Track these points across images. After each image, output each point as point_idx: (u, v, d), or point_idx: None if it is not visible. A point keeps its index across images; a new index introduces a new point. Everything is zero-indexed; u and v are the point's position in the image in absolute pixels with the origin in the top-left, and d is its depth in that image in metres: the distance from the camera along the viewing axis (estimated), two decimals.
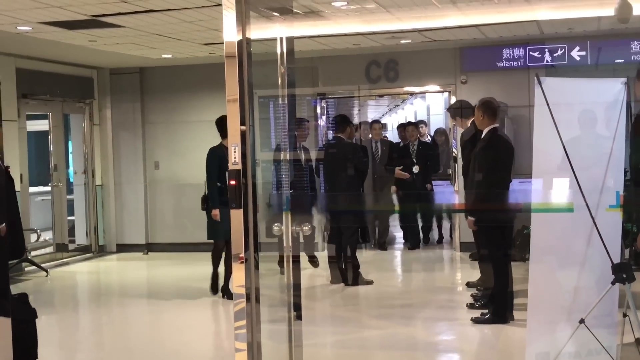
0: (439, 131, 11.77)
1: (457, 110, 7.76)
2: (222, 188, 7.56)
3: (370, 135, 11.10)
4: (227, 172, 3.47)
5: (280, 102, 4.06)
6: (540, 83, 4.50)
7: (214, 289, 7.98)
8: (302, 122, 8.96)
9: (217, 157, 7.66)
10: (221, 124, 7.66)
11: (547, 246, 4.69)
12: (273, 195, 5.30)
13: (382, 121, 17.24)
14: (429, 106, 16.62)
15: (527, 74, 9.81)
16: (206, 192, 7.89)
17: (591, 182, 4.64)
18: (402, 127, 11.44)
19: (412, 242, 10.97)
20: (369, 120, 12.11)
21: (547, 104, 4.32)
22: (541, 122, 4.54)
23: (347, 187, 8.49)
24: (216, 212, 7.63)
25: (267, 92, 4.19)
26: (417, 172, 10.48)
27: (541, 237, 4.65)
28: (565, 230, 4.74)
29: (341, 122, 8.75)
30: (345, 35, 8.91)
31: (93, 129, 11.84)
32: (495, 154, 6.43)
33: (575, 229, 4.68)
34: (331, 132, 11.09)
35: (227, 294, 7.74)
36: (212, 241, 7.97)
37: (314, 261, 9.28)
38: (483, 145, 6.53)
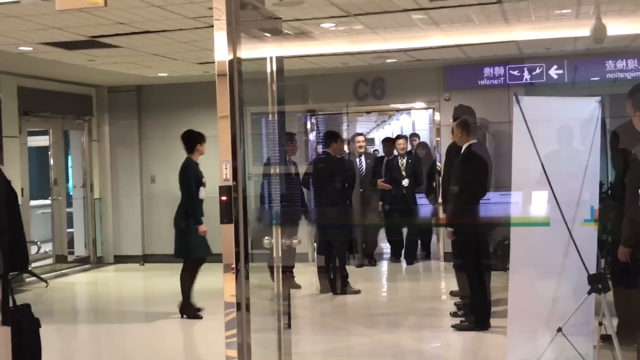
0: (421, 145, 11.42)
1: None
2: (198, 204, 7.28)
3: (353, 149, 10.76)
4: (218, 188, 3.45)
5: (270, 118, 4.09)
6: (518, 102, 4.53)
7: (191, 311, 7.44)
8: (291, 137, 8.88)
9: (194, 172, 7.33)
10: (186, 139, 7.51)
11: (526, 257, 4.70)
12: (263, 209, 5.29)
13: (370, 136, 17.23)
14: (414, 122, 16.66)
15: (507, 91, 9.86)
16: (183, 208, 7.34)
17: (568, 195, 4.66)
18: (388, 142, 11.27)
19: (402, 256, 10.69)
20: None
21: (525, 122, 4.35)
22: (520, 138, 4.57)
23: (335, 200, 8.50)
24: (204, 229, 7.22)
25: (260, 109, 4.20)
26: (407, 185, 10.22)
27: (520, 248, 4.66)
28: (543, 242, 4.75)
29: (328, 137, 8.76)
30: (334, 54, 8.95)
31: (92, 145, 11.81)
32: (471, 168, 6.48)
33: (553, 241, 4.70)
34: (321, 146, 11.09)
35: (188, 313, 7.37)
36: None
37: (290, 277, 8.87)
38: (460, 160, 6.59)
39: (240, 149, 3.50)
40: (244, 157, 3.56)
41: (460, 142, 6.64)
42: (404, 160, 10.33)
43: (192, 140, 7.51)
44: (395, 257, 10.82)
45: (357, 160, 10.54)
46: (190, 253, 7.37)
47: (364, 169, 10.51)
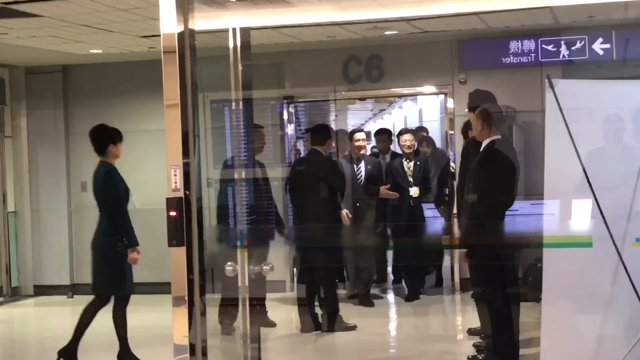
0: (425, 140, 11.10)
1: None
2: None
3: (349, 150, 10.36)
4: (166, 201, 3.44)
5: (234, 107, 4.09)
6: (552, 85, 4.55)
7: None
8: (258, 131, 8.60)
9: (120, 179, 7.27)
10: (97, 137, 7.45)
11: (563, 285, 4.71)
12: (225, 226, 5.28)
13: (365, 129, 17.16)
14: (421, 111, 16.71)
15: (540, 72, 9.91)
16: (112, 227, 7.17)
17: (617, 205, 4.68)
18: (384, 135, 10.87)
19: (410, 288, 10.39)
20: (349, 128, 12.00)
21: (561, 111, 4.35)
22: (554, 132, 4.59)
23: (324, 214, 8.49)
24: (136, 255, 7.06)
25: (222, 95, 4.22)
26: (416, 196, 9.91)
27: (555, 274, 4.68)
28: (585, 267, 4.77)
29: (320, 132, 8.75)
30: (317, 25, 8.92)
31: (4, 142, 11.74)
32: (493, 171, 6.51)
33: (597, 264, 4.72)
34: (302, 142, 11.06)
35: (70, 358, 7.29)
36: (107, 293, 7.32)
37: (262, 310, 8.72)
38: (479, 160, 6.62)
39: (194, 147, 3.51)
40: (199, 159, 3.56)
41: (479, 138, 6.66)
42: (411, 163, 10.07)
43: (104, 139, 7.42)
44: (398, 286, 10.81)
45: (354, 165, 10.10)
46: (127, 285, 7.24)
47: (362, 177, 10.05)
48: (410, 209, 9.96)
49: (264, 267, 4.04)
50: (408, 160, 10.14)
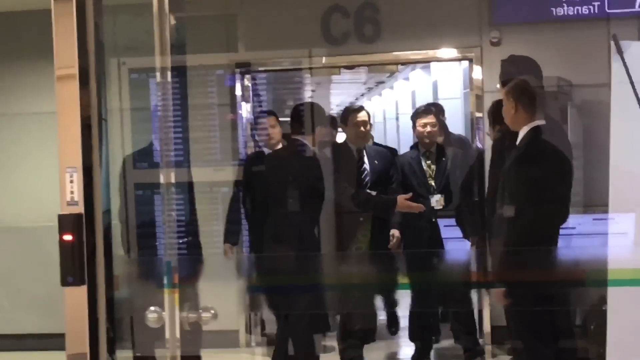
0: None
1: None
2: None
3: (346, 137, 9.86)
4: (58, 219, 3.41)
5: (159, 79, 4.10)
6: (619, 50, 4.53)
7: None
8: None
9: None
10: None
11: (636, 338, 4.72)
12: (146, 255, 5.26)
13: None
14: (435, 84, 16.74)
15: (607, 28, 9.95)
16: None
17: None
18: (357, 113, 9.86)
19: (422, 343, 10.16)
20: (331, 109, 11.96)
21: (633, 86, 4.33)
22: (623, 115, 4.58)
23: (299, 234, 8.47)
24: None
25: (145, 61, 4.21)
26: (440, 207, 9.47)
27: (625, 321, 4.67)
28: None
29: (301, 115, 8.76)
30: None
31: None
32: (536, 172, 6.55)
33: None
34: (254, 131, 11.00)
35: None
36: None
37: None
38: (517, 157, 6.67)
39: (101, 139, 3.49)
40: (107, 155, 3.53)
41: (513, 125, 6.74)
42: (432, 160, 9.75)
43: None
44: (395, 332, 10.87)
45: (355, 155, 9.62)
46: None
47: (368, 175, 9.61)
48: (431, 227, 9.54)
49: (203, 314, 4.06)
50: (425, 158, 9.77)
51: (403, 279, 9.09)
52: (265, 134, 9.76)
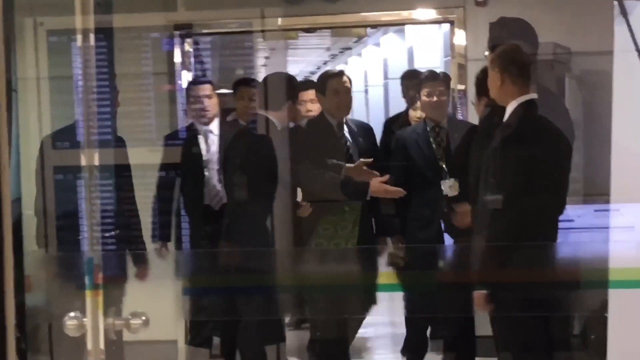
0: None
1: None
2: None
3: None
4: None
5: (81, 42, 4.06)
6: (624, 11, 4.52)
7: None
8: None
9: None
10: None
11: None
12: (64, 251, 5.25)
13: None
14: (411, 50, 16.79)
15: None
16: None
17: None
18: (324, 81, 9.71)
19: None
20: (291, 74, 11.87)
21: (638, 52, 4.31)
22: (627, 88, 4.56)
23: (254, 228, 8.72)
24: None
25: (67, 22, 4.17)
26: (454, 193, 8.97)
27: (628, 327, 4.68)
28: None
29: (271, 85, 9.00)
30: None
31: None
32: (527, 155, 6.62)
33: None
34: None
35: None
36: None
37: None
38: (503, 137, 6.76)
39: (10, 112, 3.47)
40: (17, 132, 3.50)
41: (499, 99, 6.89)
42: (443, 137, 9.45)
43: None
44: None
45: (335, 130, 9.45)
46: None
47: (354, 154, 9.32)
48: (447, 215, 9.16)
49: (132, 321, 4.03)
50: (434, 133, 9.52)
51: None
52: (198, 107, 9.74)
